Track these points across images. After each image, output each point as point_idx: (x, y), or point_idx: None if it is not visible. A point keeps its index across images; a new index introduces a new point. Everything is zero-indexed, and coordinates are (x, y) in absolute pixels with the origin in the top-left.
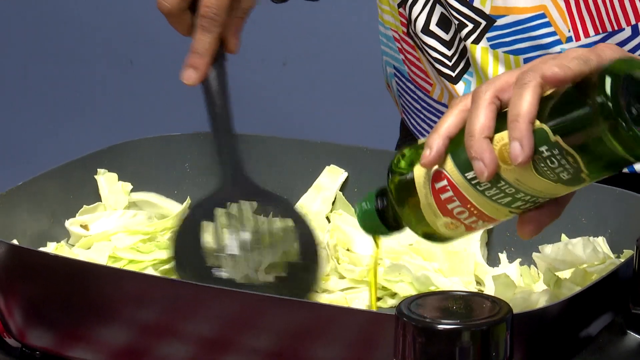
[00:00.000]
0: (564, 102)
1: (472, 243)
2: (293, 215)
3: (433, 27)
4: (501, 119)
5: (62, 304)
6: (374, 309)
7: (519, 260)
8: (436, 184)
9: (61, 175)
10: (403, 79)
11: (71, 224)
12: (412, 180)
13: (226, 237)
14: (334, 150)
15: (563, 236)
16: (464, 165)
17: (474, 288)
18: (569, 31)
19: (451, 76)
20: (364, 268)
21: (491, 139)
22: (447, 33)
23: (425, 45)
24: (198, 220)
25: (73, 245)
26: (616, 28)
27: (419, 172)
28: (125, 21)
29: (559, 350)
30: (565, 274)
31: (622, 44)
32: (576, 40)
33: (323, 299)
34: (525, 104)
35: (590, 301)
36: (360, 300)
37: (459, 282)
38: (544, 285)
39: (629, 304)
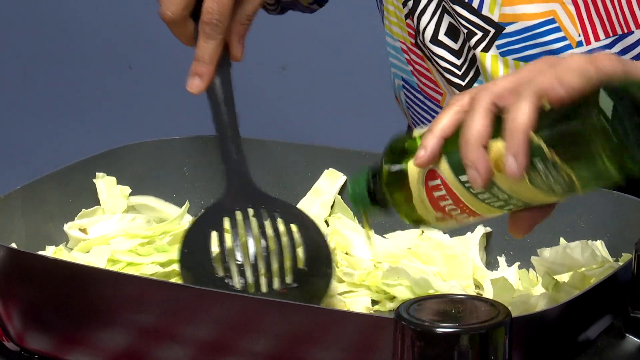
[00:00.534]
0: (560, 117)
1: (471, 247)
2: (301, 221)
3: (442, 36)
4: (497, 125)
5: (60, 308)
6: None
7: (517, 264)
8: (429, 182)
9: (60, 179)
10: (412, 90)
11: (70, 228)
12: (406, 174)
13: (234, 246)
14: (333, 154)
15: (562, 240)
16: (458, 168)
17: (472, 292)
18: (579, 35)
19: (461, 85)
20: (362, 271)
21: (486, 147)
22: (456, 42)
23: (434, 55)
24: (205, 230)
25: (72, 249)
26: (626, 31)
27: (413, 168)
28: (124, 25)
29: (558, 354)
30: (563, 278)
31: (631, 46)
32: (586, 44)
33: (321, 302)
34: (522, 116)
35: (589, 305)
36: (359, 304)
37: (458, 285)
38: (543, 289)
39: (628, 307)
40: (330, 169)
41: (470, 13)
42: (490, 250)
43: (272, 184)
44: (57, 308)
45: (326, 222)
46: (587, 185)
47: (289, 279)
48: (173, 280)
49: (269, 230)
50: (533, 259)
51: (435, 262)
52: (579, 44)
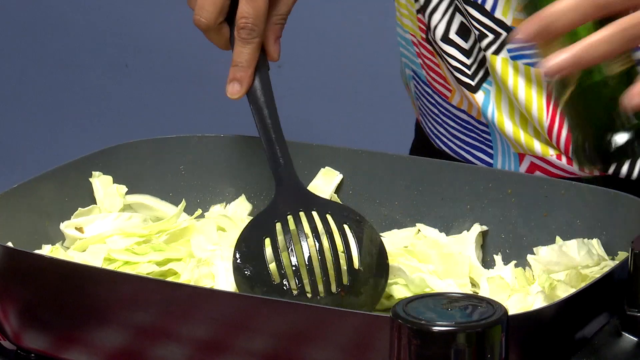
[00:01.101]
0: None
1: (467, 245)
2: (354, 220)
3: (452, 35)
4: None
5: (57, 307)
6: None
7: (514, 262)
8: None
9: (56, 178)
10: (421, 83)
11: (66, 227)
12: None
13: (288, 251)
14: (329, 153)
15: (557, 238)
16: None
17: (469, 290)
18: None
19: (470, 85)
20: None
21: None
22: (466, 42)
23: (444, 53)
24: (257, 237)
25: (68, 248)
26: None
27: None
28: (120, 24)
29: (555, 352)
30: (560, 276)
31: None
32: None
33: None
34: None
35: (586, 303)
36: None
37: (454, 284)
38: (539, 287)
39: (624, 305)
40: (326, 167)
41: (483, 15)
42: (487, 249)
43: (268, 182)
44: (54, 307)
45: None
46: None
47: (345, 280)
48: (169, 279)
49: (322, 233)
50: (529, 257)
51: (432, 261)
52: None
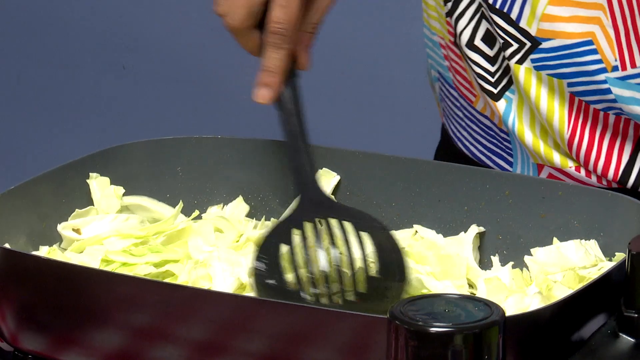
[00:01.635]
0: None
1: (464, 247)
2: (372, 228)
3: (478, 42)
4: None
5: (54, 308)
6: None
7: (511, 263)
8: None
9: (53, 179)
10: (447, 85)
11: (63, 228)
12: None
13: (305, 258)
14: (326, 154)
15: (555, 239)
16: None
17: (466, 291)
18: (616, 60)
19: (493, 92)
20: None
21: None
22: (491, 49)
23: (469, 59)
24: (275, 244)
25: (65, 249)
26: None
27: None
28: (118, 25)
29: (552, 353)
30: (557, 277)
31: None
32: (622, 70)
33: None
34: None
35: (583, 304)
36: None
37: (451, 285)
38: (536, 288)
39: (622, 306)
40: (323, 168)
41: (508, 24)
42: (484, 250)
43: (265, 183)
44: (51, 308)
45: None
46: None
47: (361, 288)
48: (167, 280)
49: (339, 241)
50: (526, 258)
51: (429, 262)
52: (615, 68)
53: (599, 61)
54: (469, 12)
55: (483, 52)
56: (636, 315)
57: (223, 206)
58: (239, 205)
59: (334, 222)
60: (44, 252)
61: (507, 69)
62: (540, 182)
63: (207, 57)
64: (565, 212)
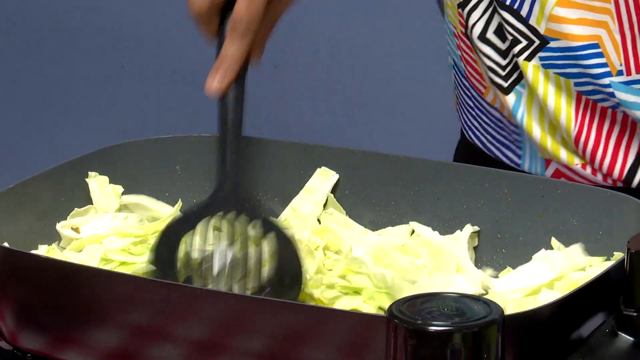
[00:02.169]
0: None
1: (459, 244)
2: (279, 234)
3: (490, 34)
4: None
5: (53, 307)
6: None
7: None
8: None
9: (52, 178)
10: (459, 75)
11: (62, 227)
12: None
13: (200, 252)
14: (325, 153)
15: (553, 239)
16: None
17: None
18: (621, 65)
19: (502, 86)
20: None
21: None
22: (503, 42)
23: (480, 51)
24: (177, 233)
25: (64, 248)
26: None
27: None
28: (116, 24)
29: (551, 352)
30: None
31: None
32: (627, 75)
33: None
34: None
35: (582, 303)
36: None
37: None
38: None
39: (621, 305)
40: (322, 167)
41: (518, 21)
42: (483, 248)
43: (263, 182)
44: (50, 307)
45: (318, 220)
46: None
47: (251, 287)
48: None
49: (239, 241)
50: (490, 293)
51: (422, 258)
52: (619, 73)
53: (604, 65)
54: (482, 5)
55: (495, 45)
56: (635, 314)
57: None
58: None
59: (239, 222)
60: (42, 251)
61: (518, 63)
62: (539, 181)
63: (205, 56)
64: (564, 211)
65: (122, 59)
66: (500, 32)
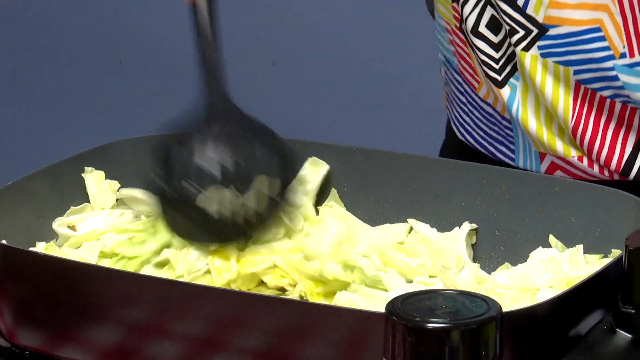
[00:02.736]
0: None
1: (457, 242)
2: (277, 147)
3: (482, 28)
4: None
5: (52, 304)
6: None
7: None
8: None
9: (50, 175)
10: (451, 70)
11: (58, 226)
12: None
13: (199, 163)
14: (323, 150)
15: (551, 237)
16: None
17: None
18: (624, 47)
19: (497, 80)
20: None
21: None
22: (496, 35)
23: (474, 45)
24: (175, 145)
25: (62, 246)
26: None
27: None
28: (114, 20)
29: (549, 349)
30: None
31: None
32: (630, 57)
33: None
34: None
35: (580, 300)
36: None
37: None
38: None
39: (619, 302)
40: (313, 157)
41: (515, 10)
42: (481, 245)
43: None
44: (48, 304)
45: (317, 210)
46: None
47: (253, 205)
48: (165, 269)
49: (239, 154)
50: (489, 282)
51: (421, 256)
52: (622, 55)
53: (607, 48)
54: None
55: (487, 38)
56: (633, 311)
57: None
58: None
59: (234, 134)
60: (41, 248)
61: (512, 56)
62: (537, 178)
63: None
64: (562, 208)
65: (119, 55)
66: (493, 25)
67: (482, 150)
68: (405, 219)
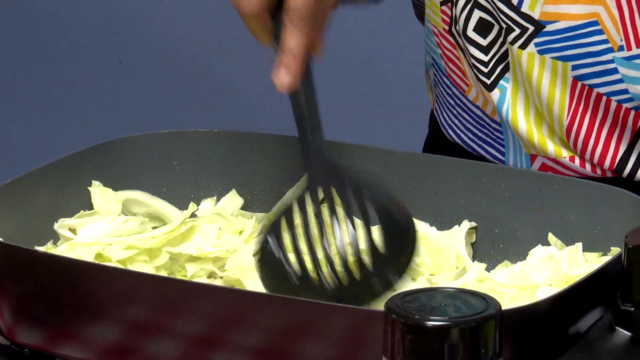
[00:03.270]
0: None
1: (457, 240)
2: (380, 201)
3: (470, 32)
4: None
5: (51, 302)
6: None
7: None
8: None
9: (49, 174)
10: (439, 73)
11: (60, 227)
12: None
13: (306, 243)
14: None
15: (550, 235)
16: None
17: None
18: (621, 40)
19: (486, 83)
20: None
21: None
22: (484, 38)
23: (463, 48)
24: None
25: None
26: None
27: None
28: (114, 19)
29: (548, 347)
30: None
31: None
32: (627, 50)
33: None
34: None
35: (579, 298)
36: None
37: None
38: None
39: (618, 300)
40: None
41: (510, 9)
42: (480, 243)
43: (261, 176)
44: (48, 302)
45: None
46: None
47: (367, 264)
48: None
49: (342, 221)
50: (488, 280)
51: (420, 255)
52: (621, 48)
53: (605, 41)
54: (461, 1)
55: (476, 42)
56: (633, 309)
57: (217, 200)
58: (233, 199)
59: (338, 200)
60: (40, 247)
61: (501, 58)
62: (537, 176)
63: (203, 51)
64: (561, 206)
65: (119, 53)
66: (481, 28)
67: (472, 151)
68: None
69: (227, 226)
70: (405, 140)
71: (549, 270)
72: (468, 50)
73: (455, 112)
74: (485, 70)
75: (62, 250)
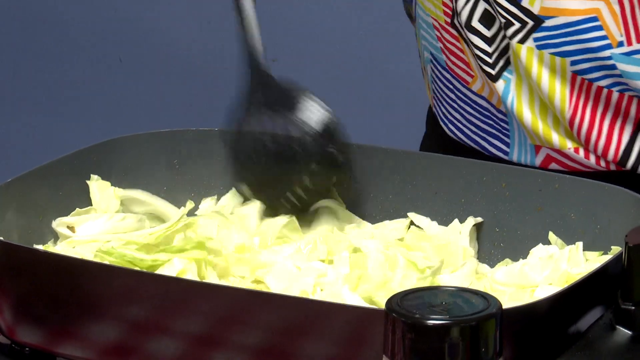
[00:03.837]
0: None
1: (461, 236)
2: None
3: (475, 22)
4: None
5: (51, 301)
6: None
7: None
8: None
9: (49, 173)
10: (439, 67)
11: (58, 225)
12: None
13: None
14: None
15: (550, 233)
16: None
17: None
18: (621, 36)
19: (491, 74)
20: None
21: None
22: (489, 29)
23: (468, 40)
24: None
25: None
26: None
27: None
28: (114, 19)
29: (549, 346)
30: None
31: None
32: (627, 46)
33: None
34: None
35: (580, 297)
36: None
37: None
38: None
39: (618, 299)
40: None
41: (510, 3)
42: (481, 242)
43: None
44: (48, 301)
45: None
46: None
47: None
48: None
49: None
50: (487, 278)
51: (425, 251)
52: (620, 44)
53: (604, 37)
54: None
55: (481, 33)
56: (633, 307)
57: (217, 199)
58: (234, 197)
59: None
60: (40, 247)
61: (505, 50)
62: (537, 175)
63: (203, 50)
64: (561, 205)
65: (119, 52)
66: (485, 19)
67: (474, 145)
68: (404, 216)
69: (226, 224)
70: (402, 139)
71: (548, 269)
72: (472, 42)
73: (456, 106)
74: (490, 60)
75: (60, 248)
